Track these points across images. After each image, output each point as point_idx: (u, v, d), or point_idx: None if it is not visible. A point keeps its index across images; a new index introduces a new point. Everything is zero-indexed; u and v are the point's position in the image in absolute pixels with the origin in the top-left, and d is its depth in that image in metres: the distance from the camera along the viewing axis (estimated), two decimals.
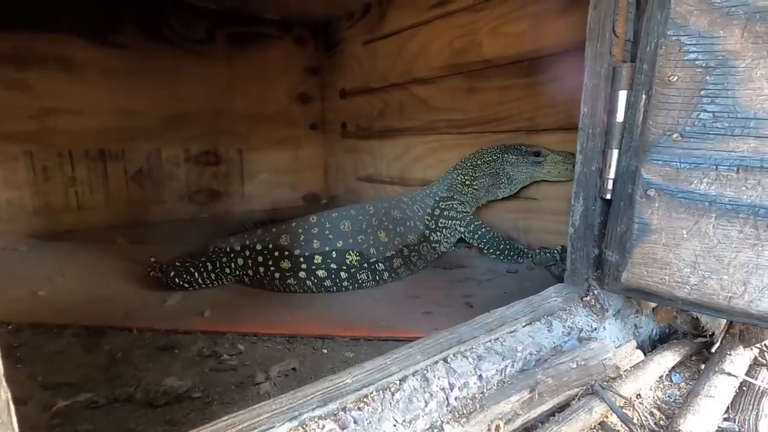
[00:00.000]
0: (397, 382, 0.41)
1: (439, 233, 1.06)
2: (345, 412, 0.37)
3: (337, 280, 0.91)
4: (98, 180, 1.46)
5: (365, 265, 0.93)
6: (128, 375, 0.62)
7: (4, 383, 0.24)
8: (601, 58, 0.58)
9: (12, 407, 0.25)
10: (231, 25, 1.65)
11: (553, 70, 1.03)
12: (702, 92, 0.48)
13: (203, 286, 0.93)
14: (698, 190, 0.49)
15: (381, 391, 0.40)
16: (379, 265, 0.94)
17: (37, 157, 1.36)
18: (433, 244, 1.05)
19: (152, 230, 1.48)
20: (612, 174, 0.58)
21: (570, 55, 0.97)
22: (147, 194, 1.56)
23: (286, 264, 0.91)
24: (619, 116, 0.57)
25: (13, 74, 1.29)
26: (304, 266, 0.91)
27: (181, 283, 0.91)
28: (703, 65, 0.48)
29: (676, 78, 0.49)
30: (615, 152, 0.58)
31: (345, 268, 0.92)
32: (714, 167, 0.48)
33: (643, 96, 0.53)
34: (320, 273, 0.91)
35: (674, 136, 0.50)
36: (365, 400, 0.39)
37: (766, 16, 0.44)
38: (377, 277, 0.94)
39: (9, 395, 0.24)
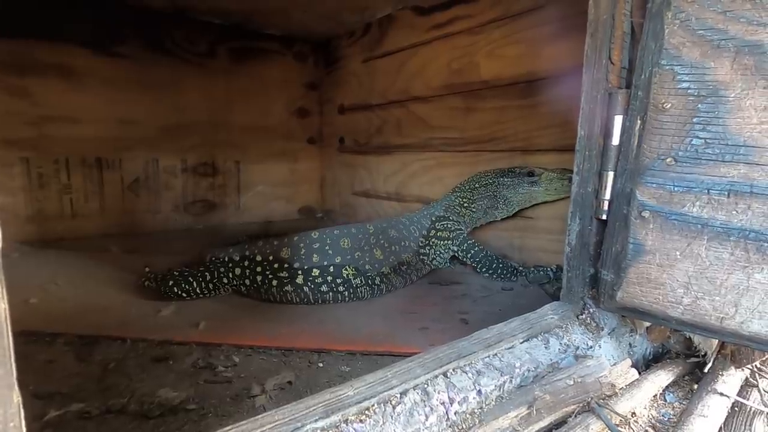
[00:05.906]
0: (398, 395, 0.42)
1: (431, 248, 1.09)
2: (347, 424, 0.37)
3: (333, 286, 0.93)
4: (94, 188, 1.46)
5: (361, 277, 0.95)
6: (122, 385, 0.61)
7: (17, 388, 0.24)
8: (598, 84, 0.61)
9: (23, 412, 0.25)
10: (233, 40, 1.67)
11: (548, 93, 1.06)
12: (694, 119, 0.50)
13: (201, 295, 0.93)
14: (691, 212, 0.51)
15: (382, 404, 0.40)
16: (375, 277, 0.97)
17: (33, 163, 1.35)
18: (422, 257, 1.08)
19: (146, 240, 1.47)
20: (607, 195, 0.60)
21: (564, 78, 1.00)
22: (142, 203, 1.56)
23: (284, 274, 0.92)
24: (615, 140, 0.59)
25: (15, 81, 1.30)
26: (301, 276, 0.92)
27: (179, 292, 0.91)
28: (695, 94, 0.50)
29: (669, 105, 0.51)
30: (611, 174, 0.60)
31: (341, 279, 0.94)
32: (706, 191, 0.50)
33: (638, 121, 0.55)
34: (317, 281, 0.92)
35: (668, 160, 0.52)
36: (367, 412, 0.39)
37: (753, 50, 0.47)
38: (371, 282, 0.96)
39: (20, 400, 0.25)
